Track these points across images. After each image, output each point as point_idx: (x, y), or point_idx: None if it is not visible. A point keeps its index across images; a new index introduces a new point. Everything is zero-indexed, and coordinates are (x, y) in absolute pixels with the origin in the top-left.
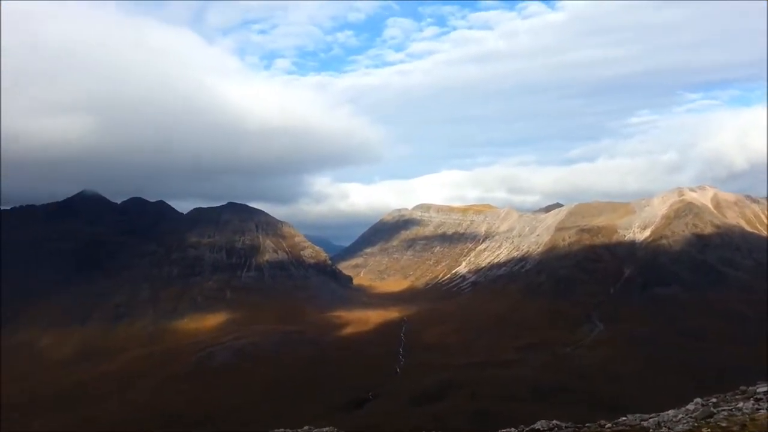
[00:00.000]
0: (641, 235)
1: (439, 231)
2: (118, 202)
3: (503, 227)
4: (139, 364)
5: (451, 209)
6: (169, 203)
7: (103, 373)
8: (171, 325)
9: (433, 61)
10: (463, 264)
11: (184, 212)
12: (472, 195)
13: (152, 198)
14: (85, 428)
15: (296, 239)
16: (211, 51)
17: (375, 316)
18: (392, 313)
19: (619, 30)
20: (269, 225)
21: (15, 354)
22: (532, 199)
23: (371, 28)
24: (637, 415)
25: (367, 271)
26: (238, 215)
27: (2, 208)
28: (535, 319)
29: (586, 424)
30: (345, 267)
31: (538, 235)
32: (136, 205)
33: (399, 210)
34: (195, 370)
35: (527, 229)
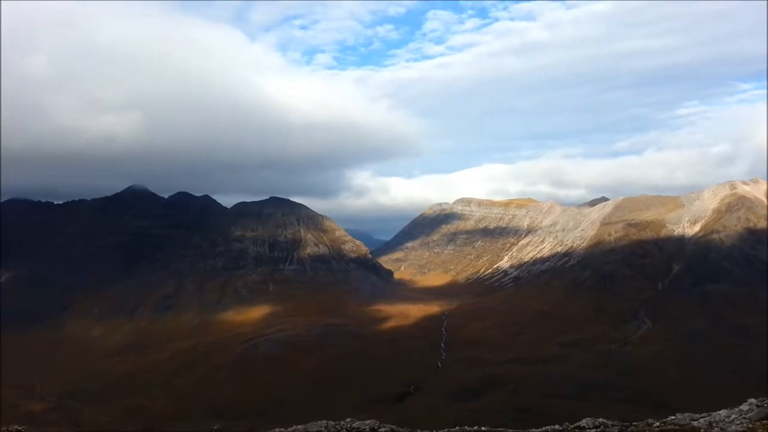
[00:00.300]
0: (691, 230)
1: (481, 225)
2: (165, 196)
3: (546, 221)
4: (186, 354)
5: (492, 203)
6: (214, 198)
7: (151, 363)
8: (216, 316)
9: (474, 53)
10: (505, 259)
11: (228, 206)
12: (514, 189)
13: (198, 193)
14: (134, 417)
15: (337, 233)
16: (254, 48)
17: (416, 311)
18: (433, 308)
19: (666, 19)
20: (310, 219)
21: (67, 344)
22: (576, 193)
23: (411, 22)
24: (687, 414)
25: (408, 266)
26: (280, 209)
27: (55, 202)
28: (579, 315)
29: (633, 423)
30: (385, 261)
31: (582, 230)
32: (182, 199)
33: (440, 204)
34: (239, 361)
35: (571, 223)
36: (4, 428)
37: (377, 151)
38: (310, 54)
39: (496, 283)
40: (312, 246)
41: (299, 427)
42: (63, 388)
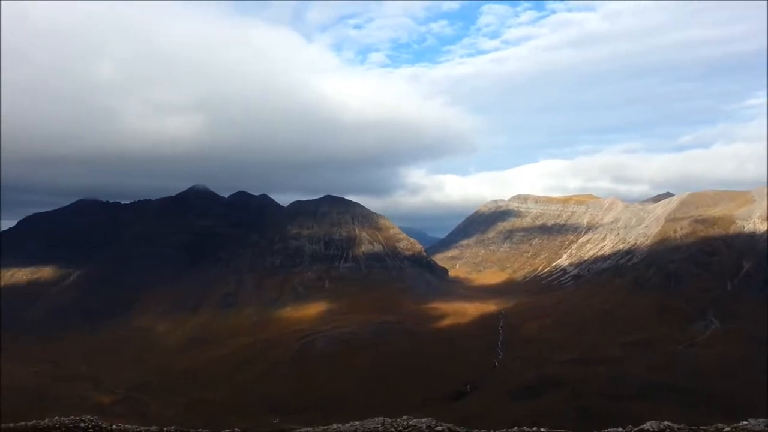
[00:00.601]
0: (762, 226)
1: (538, 222)
2: (225, 196)
3: (607, 218)
4: (246, 350)
5: (550, 200)
6: (271, 196)
7: (213, 358)
8: (274, 313)
9: (530, 47)
10: (564, 257)
11: (285, 205)
12: (573, 185)
13: (256, 192)
14: (197, 411)
15: (391, 231)
16: (310, 48)
17: (472, 309)
18: (490, 306)
19: (735, 5)
20: (365, 217)
21: (134, 339)
22: (639, 189)
23: (465, 17)
24: (761, 420)
25: (463, 263)
26: (335, 208)
27: (123, 202)
28: (643, 315)
29: (702, 427)
30: (440, 259)
31: (646, 227)
32: (241, 198)
33: (495, 201)
34: (297, 357)
35: (634, 220)
36: (74, 417)
37: (432, 149)
38: (364, 53)
39: (555, 282)
40: (366, 244)
41: (356, 423)
42: (130, 381)
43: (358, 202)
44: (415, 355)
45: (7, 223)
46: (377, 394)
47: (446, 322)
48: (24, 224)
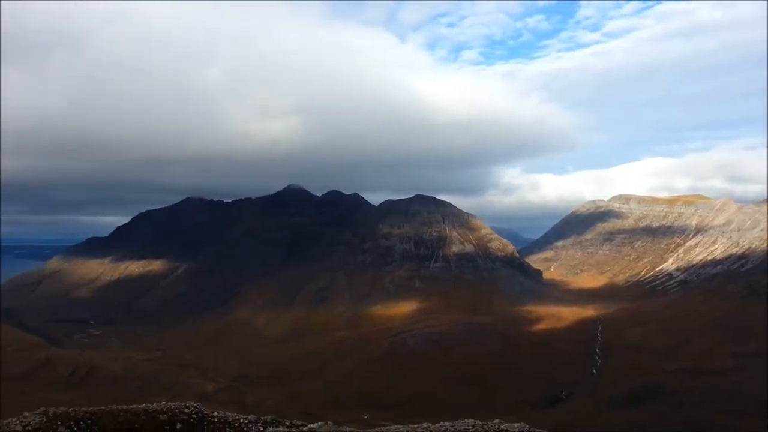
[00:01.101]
0: None
1: (641, 224)
2: (319, 195)
3: (719, 220)
4: (338, 345)
5: (654, 200)
6: (363, 195)
7: (308, 351)
8: (365, 310)
9: (633, 38)
10: (670, 260)
11: (376, 204)
12: (681, 185)
13: (348, 191)
14: (293, 402)
15: (483, 231)
16: (403, 48)
17: (569, 313)
18: (588, 311)
19: None
20: (456, 217)
21: (235, 330)
22: (756, 189)
23: (563, 10)
24: None
25: (559, 266)
26: (426, 207)
27: (225, 201)
28: (759, 324)
29: None
30: (534, 260)
31: (762, 230)
32: (334, 197)
33: (594, 201)
34: (388, 354)
35: (748, 222)
36: (179, 403)
37: (527, 147)
38: (457, 51)
39: (659, 287)
40: (457, 244)
41: (446, 423)
42: (231, 371)
43: (450, 201)
44: (508, 358)
45: (122, 220)
46: (467, 395)
47: (541, 325)
48: (137, 221)
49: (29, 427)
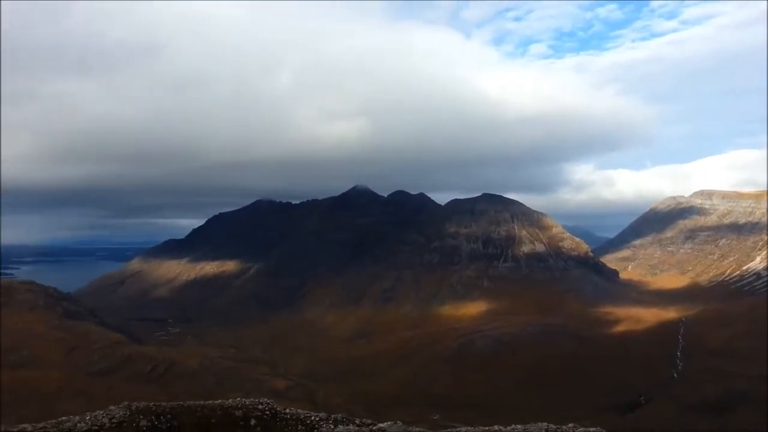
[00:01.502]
0: None
1: (726, 221)
2: (385, 195)
3: None
4: (405, 345)
5: (740, 195)
6: (429, 195)
7: (375, 351)
8: (432, 310)
9: (713, 25)
10: (758, 259)
11: (442, 203)
12: None
13: (414, 191)
14: (361, 400)
15: (554, 230)
16: (468, 45)
17: (649, 315)
18: (669, 313)
19: None
20: (525, 215)
21: (304, 329)
22: None
23: None
24: None
25: (636, 265)
26: (493, 206)
27: (293, 202)
28: None
29: None
30: (610, 260)
31: None
32: (400, 197)
33: (674, 197)
34: (456, 355)
35: None
36: (253, 399)
37: (601, 142)
38: (524, 45)
39: (746, 287)
40: (527, 243)
41: (518, 426)
42: (301, 368)
43: (518, 200)
44: (583, 361)
45: (197, 222)
46: (539, 398)
47: (619, 328)
48: (211, 223)
49: (114, 420)
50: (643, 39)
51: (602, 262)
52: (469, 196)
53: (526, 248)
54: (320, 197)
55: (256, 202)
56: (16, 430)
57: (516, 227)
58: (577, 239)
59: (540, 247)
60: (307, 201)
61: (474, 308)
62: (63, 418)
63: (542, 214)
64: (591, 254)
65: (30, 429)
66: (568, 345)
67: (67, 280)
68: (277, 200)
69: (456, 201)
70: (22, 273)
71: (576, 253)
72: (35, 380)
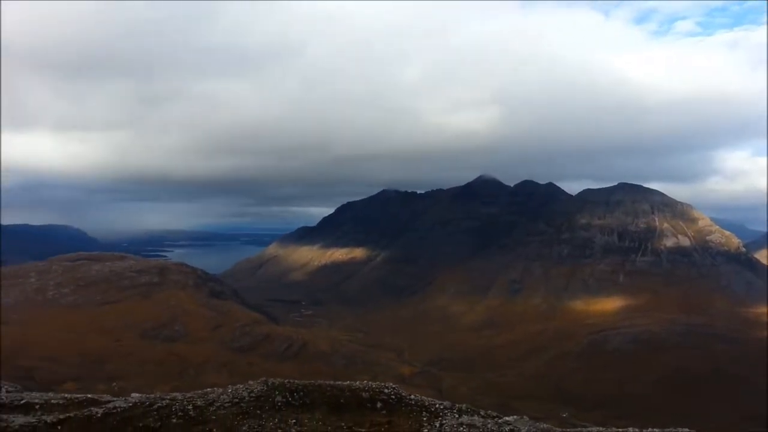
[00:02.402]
0: None
1: None
2: (511, 185)
3: None
4: (534, 338)
5: None
6: (559, 185)
7: (503, 342)
8: (562, 303)
9: None
10: None
11: (573, 193)
12: None
13: (542, 180)
14: (488, 391)
15: (701, 223)
16: (608, 25)
17: None
18: None
19: None
20: (667, 207)
21: (431, 316)
22: None
23: None
24: None
25: None
26: (630, 196)
27: (418, 192)
28: None
29: None
30: (765, 256)
31: None
32: (527, 187)
33: None
34: (587, 351)
35: None
36: (380, 383)
37: (758, 127)
38: (669, 23)
39: None
40: (669, 236)
41: (655, 430)
42: (427, 355)
43: (659, 190)
44: (733, 365)
45: (328, 210)
46: (680, 403)
47: None
48: (340, 211)
49: (253, 394)
50: None
51: (756, 258)
52: (603, 186)
53: (668, 242)
54: (444, 187)
55: (382, 191)
56: (169, 397)
57: (657, 219)
58: (728, 233)
59: (684, 241)
60: (432, 191)
61: (609, 304)
62: (208, 389)
63: (687, 205)
64: (743, 249)
65: (180, 398)
66: (715, 347)
67: (214, 263)
68: (402, 190)
69: (588, 191)
70: (175, 255)
71: (726, 248)
72: (186, 353)
